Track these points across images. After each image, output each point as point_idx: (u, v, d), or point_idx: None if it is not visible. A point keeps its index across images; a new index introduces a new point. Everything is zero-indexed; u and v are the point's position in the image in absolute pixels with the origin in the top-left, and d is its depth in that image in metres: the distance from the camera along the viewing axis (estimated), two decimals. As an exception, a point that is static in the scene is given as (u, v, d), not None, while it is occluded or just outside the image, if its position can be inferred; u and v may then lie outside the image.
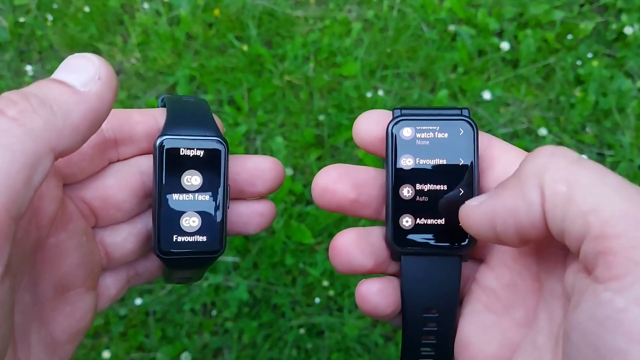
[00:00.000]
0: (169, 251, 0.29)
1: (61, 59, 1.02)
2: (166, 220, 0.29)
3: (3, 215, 0.19)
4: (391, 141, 0.29)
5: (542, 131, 0.96)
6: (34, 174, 0.20)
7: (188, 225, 0.29)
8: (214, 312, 0.86)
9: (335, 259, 0.29)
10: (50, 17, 1.05)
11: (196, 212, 0.29)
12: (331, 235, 0.88)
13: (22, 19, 1.05)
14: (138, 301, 0.86)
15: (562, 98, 0.98)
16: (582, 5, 1.05)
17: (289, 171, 0.92)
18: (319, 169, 0.95)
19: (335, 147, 0.94)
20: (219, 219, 0.30)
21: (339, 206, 0.30)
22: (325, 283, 0.86)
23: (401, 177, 0.29)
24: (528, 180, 0.22)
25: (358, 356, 0.83)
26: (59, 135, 0.22)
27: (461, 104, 0.98)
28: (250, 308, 0.86)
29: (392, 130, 0.29)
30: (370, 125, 0.29)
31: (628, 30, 1.01)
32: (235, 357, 0.83)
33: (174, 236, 0.29)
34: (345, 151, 0.93)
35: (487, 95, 0.98)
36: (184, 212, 0.29)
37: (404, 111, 0.29)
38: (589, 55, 1.01)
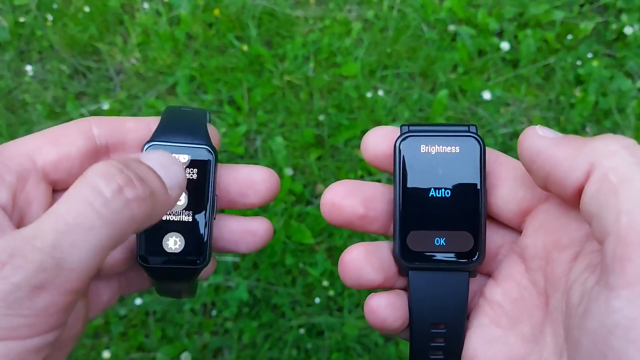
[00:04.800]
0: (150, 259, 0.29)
1: (61, 59, 1.02)
2: (149, 228, 0.29)
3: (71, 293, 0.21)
4: (399, 157, 0.29)
5: (542, 131, 0.96)
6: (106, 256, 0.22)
7: (171, 237, 0.29)
8: (214, 312, 0.86)
9: (344, 274, 0.29)
10: (50, 17, 1.05)
11: (180, 221, 0.29)
12: (331, 236, 0.89)
13: (22, 19, 1.05)
14: (138, 301, 0.86)
15: (562, 98, 0.98)
16: (582, 5, 1.05)
17: (289, 171, 0.92)
18: (319, 169, 0.95)
19: (335, 147, 0.94)
20: (202, 230, 0.29)
21: (348, 221, 0.29)
22: (325, 283, 0.86)
23: (409, 193, 0.29)
24: (587, 154, 0.23)
25: (358, 356, 0.83)
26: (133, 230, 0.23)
27: (461, 104, 0.98)
28: (250, 308, 0.86)
29: (399, 146, 0.29)
30: (378, 142, 0.29)
31: (628, 30, 1.01)
32: (235, 357, 0.83)
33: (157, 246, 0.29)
34: (345, 151, 0.93)
35: (487, 95, 0.98)
36: (167, 221, 0.29)
37: (411, 127, 0.29)
38: (589, 55, 1.01)
